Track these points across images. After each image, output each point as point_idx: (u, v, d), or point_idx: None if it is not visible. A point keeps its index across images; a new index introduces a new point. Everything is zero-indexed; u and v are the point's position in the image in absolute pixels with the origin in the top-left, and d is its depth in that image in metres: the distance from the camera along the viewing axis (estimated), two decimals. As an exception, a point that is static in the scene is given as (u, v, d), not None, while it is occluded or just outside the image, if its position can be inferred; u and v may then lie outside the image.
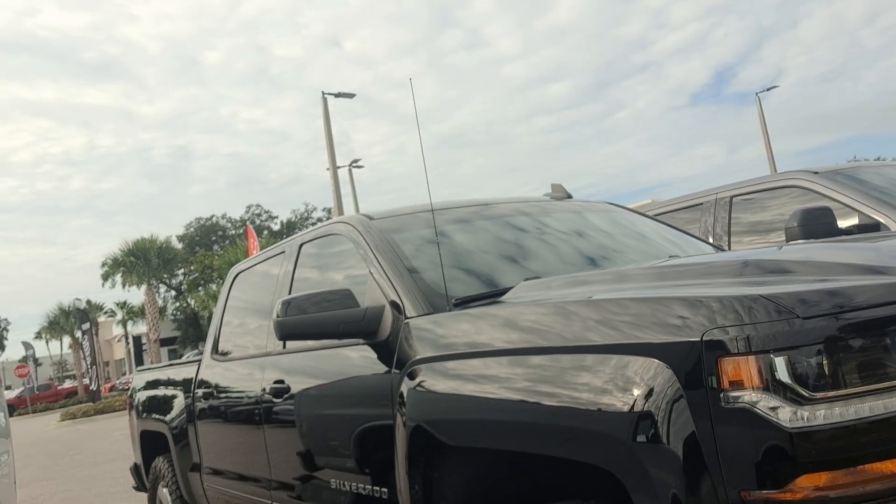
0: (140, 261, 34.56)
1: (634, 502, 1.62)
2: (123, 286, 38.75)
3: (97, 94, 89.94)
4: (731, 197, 5.56)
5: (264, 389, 3.30)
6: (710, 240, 5.36)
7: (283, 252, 3.66)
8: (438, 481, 2.25)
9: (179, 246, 45.84)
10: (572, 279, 2.30)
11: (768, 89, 33.75)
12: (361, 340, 2.62)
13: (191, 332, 53.21)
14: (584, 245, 3.12)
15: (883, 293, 1.50)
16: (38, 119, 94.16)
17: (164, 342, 45.15)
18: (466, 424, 2.12)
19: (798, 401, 1.41)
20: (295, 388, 3.08)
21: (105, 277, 44.81)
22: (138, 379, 5.53)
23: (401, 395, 2.33)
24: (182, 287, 54.92)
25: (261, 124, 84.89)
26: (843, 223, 4.42)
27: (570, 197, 3.68)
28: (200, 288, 48.67)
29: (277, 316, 2.62)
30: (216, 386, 3.97)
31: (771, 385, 1.42)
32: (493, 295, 2.43)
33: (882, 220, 4.47)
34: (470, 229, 3.08)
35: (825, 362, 1.42)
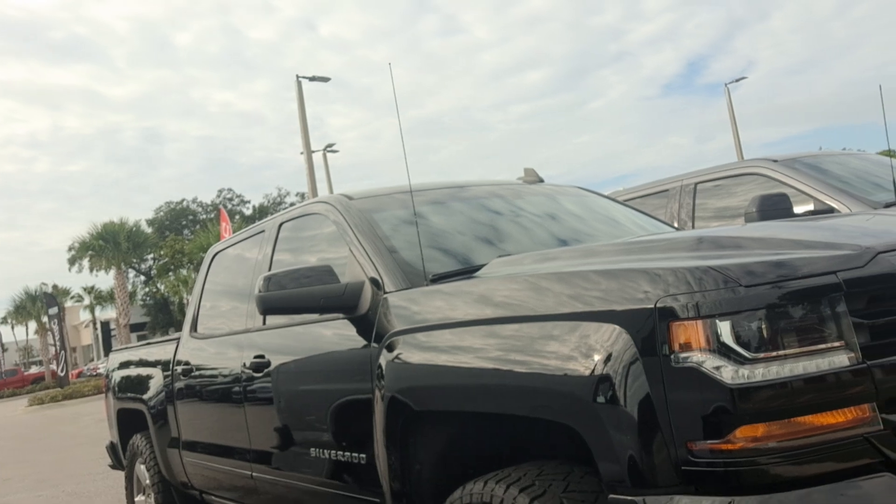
0: (110, 244, 34.14)
1: (597, 461, 1.77)
2: (91, 270, 38.26)
3: (64, 74, 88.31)
4: (696, 184, 5.76)
5: (244, 364, 3.41)
6: (675, 225, 5.56)
7: (262, 231, 3.77)
8: (414, 445, 2.39)
9: (149, 230, 45.26)
10: (542, 255, 2.45)
11: (737, 80, 34.24)
12: (341, 315, 2.74)
13: (160, 317, 52.72)
14: (556, 226, 3.27)
15: (818, 265, 1.67)
16: (3, 100, 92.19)
17: (134, 328, 44.72)
18: (442, 390, 2.26)
19: (739, 361, 1.57)
20: (275, 363, 3.19)
21: (72, 262, 44.21)
22: (114, 359, 5.59)
23: (379, 367, 2.47)
24: (152, 272, 54.34)
25: (233, 107, 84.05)
26: (799, 209, 4.63)
27: (541, 181, 3.83)
28: (171, 273, 48.21)
29: (259, 291, 2.73)
30: (196, 363, 4.07)
31: (716, 347, 1.58)
32: (468, 271, 2.56)
33: (836, 207, 4.69)
34: (446, 210, 3.21)
35: (764, 326, 1.58)
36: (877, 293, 1.67)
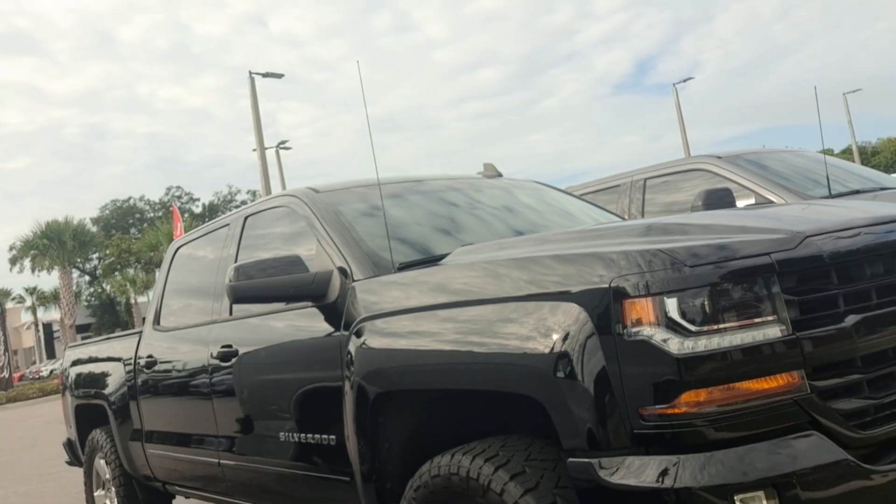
0: (55, 243, 33.24)
1: (557, 428, 1.92)
2: (33, 270, 37.22)
3: (4, 68, 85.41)
4: (645, 179, 6.00)
5: (212, 355, 3.48)
6: (626, 218, 5.78)
7: (227, 225, 3.83)
8: (383, 426, 2.51)
9: (94, 229, 44.18)
10: (501, 244, 2.60)
11: (684, 81, 35.20)
12: (311, 304, 2.85)
13: (106, 318, 51.57)
14: (514, 218, 3.43)
15: (754, 248, 1.85)
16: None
17: (79, 329, 43.59)
18: (408, 371, 2.39)
19: (685, 333, 1.74)
20: (243, 351, 3.28)
21: (13, 262, 42.90)
22: (71, 354, 5.56)
23: (349, 352, 2.58)
24: (97, 272, 53.10)
25: (181, 104, 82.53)
26: (742, 203, 4.89)
27: (500, 175, 3.99)
28: (117, 272, 47.19)
29: (230, 281, 2.81)
30: (160, 355, 4.11)
31: (664, 321, 1.75)
32: (433, 260, 2.69)
33: (776, 201, 4.97)
34: (411, 203, 3.34)
35: (707, 303, 1.75)
36: (805, 273, 1.86)
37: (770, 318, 1.77)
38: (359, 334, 2.57)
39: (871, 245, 2.00)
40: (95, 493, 5.12)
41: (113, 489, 4.76)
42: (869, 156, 56.81)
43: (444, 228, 3.25)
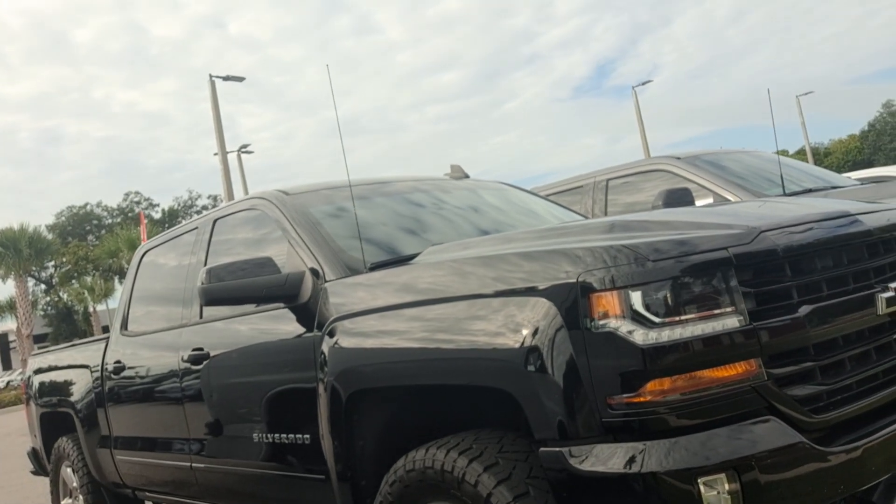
0: (10, 251, 32.41)
1: (529, 419, 1.99)
2: (-14, 280, 36.18)
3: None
4: (607, 180, 6.13)
5: (182, 358, 3.48)
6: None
7: (195, 228, 3.84)
8: (358, 423, 2.56)
9: (50, 236, 43.16)
10: (470, 243, 2.67)
11: (643, 83, 35.83)
12: (283, 305, 2.88)
13: (63, 327, 50.37)
14: (481, 218, 3.50)
15: (712, 243, 1.94)
16: None
17: (36, 339, 42.52)
18: (384, 368, 2.44)
19: (649, 325, 1.82)
20: (214, 354, 3.29)
21: (-33, 271, 41.64)
22: (34, 363, 5.49)
23: (322, 353, 2.62)
24: (53, 280, 51.90)
25: (138, 107, 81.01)
26: (700, 202, 5.03)
27: (467, 177, 4.06)
28: (74, 280, 46.16)
29: (202, 283, 2.83)
30: (129, 361, 4.09)
31: (629, 314, 1.83)
32: (404, 259, 2.75)
33: (733, 199, 5.12)
34: (380, 204, 3.39)
35: (669, 295, 1.84)
36: (761, 266, 1.96)
37: (728, 309, 1.86)
38: (331, 334, 2.61)
39: (822, 239, 2.11)
40: (62, 503, 5.06)
41: (81, 497, 4.71)
42: (822, 156, 58.35)
43: (414, 228, 3.30)
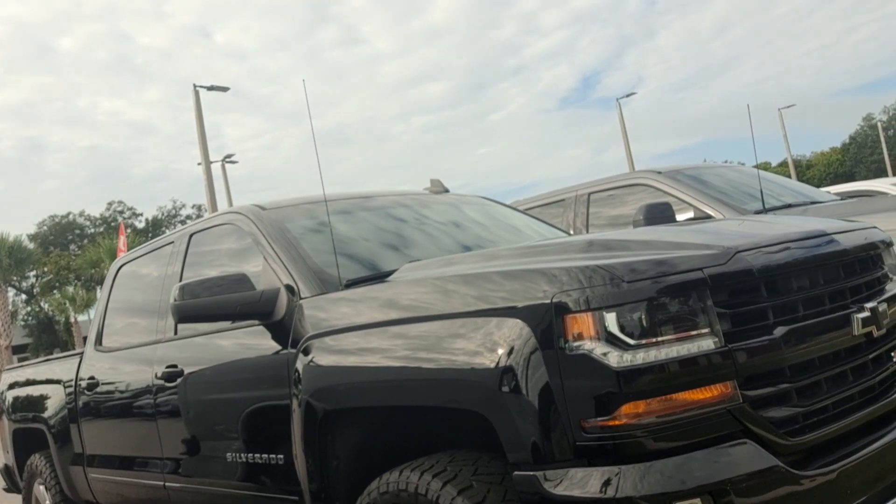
0: (-11, 261, 32.02)
1: (503, 442, 1.96)
2: (-34, 290, 35.67)
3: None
4: (589, 194, 6.13)
5: (156, 375, 3.42)
6: (571, 232, 5.89)
7: (171, 243, 3.78)
8: (332, 444, 2.51)
9: (31, 246, 42.69)
10: (448, 260, 2.64)
11: (627, 95, 36.00)
12: (257, 322, 2.83)
13: (44, 338, 49.80)
14: (461, 234, 3.48)
15: (687, 263, 1.92)
16: None
17: (16, 350, 42.00)
18: (358, 387, 2.40)
19: (623, 347, 1.80)
20: (188, 372, 3.23)
21: (-54, 280, 41.05)
22: (7, 377, 5.40)
23: (296, 371, 2.58)
24: (34, 290, 51.33)
25: (123, 116, 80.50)
26: (681, 216, 5.04)
27: (447, 191, 4.03)
28: (56, 290, 45.67)
29: (175, 300, 2.78)
30: (102, 377, 4.02)
31: (603, 335, 1.81)
32: (380, 276, 2.71)
33: (713, 214, 5.13)
34: (357, 219, 3.36)
35: (644, 317, 1.82)
36: (736, 287, 1.94)
37: (704, 330, 1.84)
38: (306, 352, 2.57)
39: (799, 259, 2.10)
40: (35, 521, 4.96)
41: (53, 516, 4.62)
42: (804, 169, 59.02)
43: (392, 244, 3.27)
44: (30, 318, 51.86)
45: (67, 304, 41.41)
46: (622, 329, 1.81)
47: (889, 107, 68.61)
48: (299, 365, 2.57)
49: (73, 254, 50.09)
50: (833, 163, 62.78)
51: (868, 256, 2.34)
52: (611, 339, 1.80)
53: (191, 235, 3.62)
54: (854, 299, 2.18)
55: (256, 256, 3.07)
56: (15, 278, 42.86)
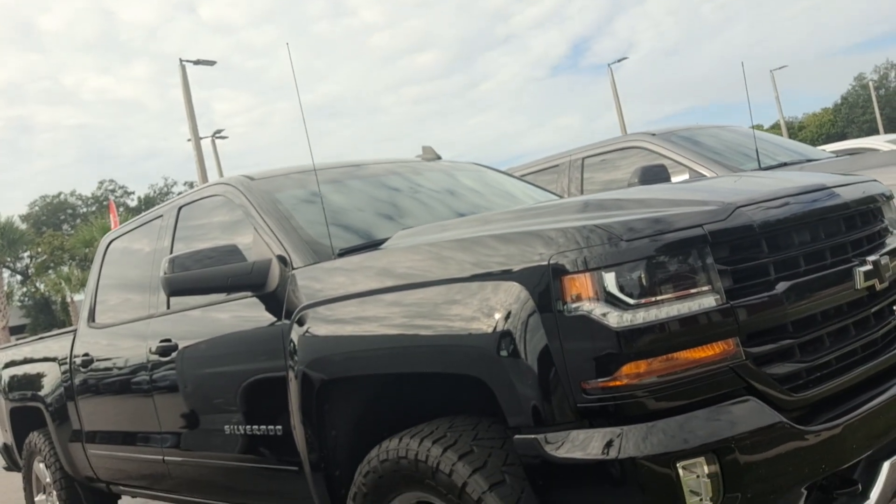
0: (-19, 243, 31.85)
1: (502, 407, 1.93)
2: (-40, 272, 35.53)
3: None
4: (583, 159, 6.07)
5: (150, 350, 3.39)
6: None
7: (160, 216, 3.73)
8: (330, 413, 2.49)
9: (24, 226, 42.48)
10: (442, 226, 2.59)
11: (619, 61, 35.81)
12: (250, 294, 2.79)
13: (42, 318, 49.79)
14: (455, 201, 3.42)
15: (687, 220, 1.88)
16: None
17: (13, 330, 41.95)
18: (354, 356, 2.37)
19: (623, 307, 1.76)
20: (183, 346, 3.20)
21: (-61, 263, 40.85)
22: (3, 357, 5.36)
23: (291, 341, 2.54)
24: (29, 271, 51.18)
25: (110, 94, 79.72)
26: (676, 178, 4.99)
27: (439, 158, 3.97)
28: (51, 271, 45.57)
29: (165, 273, 2.73)
30: (96, 353, 3.99)
31: (602, 296, 1.77)
32: (373, 245, 2.67)
33: (708, 175, 5.09)
34: (348, 188, 3.30)
35: (643, 275, 1.78)
36: (737, 243, 1.91)
37: (705, 288, 1.81)
38: (301, 322, 2.53)
39: (799, 214, 2.06)
40: (36, 498, 4.96)
41: (55, 493, 4.62)
42: (796, 130, 58.88)
43: (385, 213, 3.22)
44: (26, 299, 51.79)
45: (63, 284, 41.31)
46: (621, 289, 1.77)
47: (880, 66, 68.35)
48: (294, 336, 2.54)
49: (66, 234, 49.87)
50: (825, 124, 62.61)
51: (868, 210, 2.30)
52: (610, 300, 1.77)
53: (179, 208, 3.56)
54: (855, 253, 2.15)
55: (247, 228, 3.01)
56: (9, 259, 42.72)
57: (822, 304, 2.01)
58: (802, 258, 2.02)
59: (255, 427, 2.82)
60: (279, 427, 2.69)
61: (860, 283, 2.06)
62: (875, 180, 2.52)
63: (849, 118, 63.49)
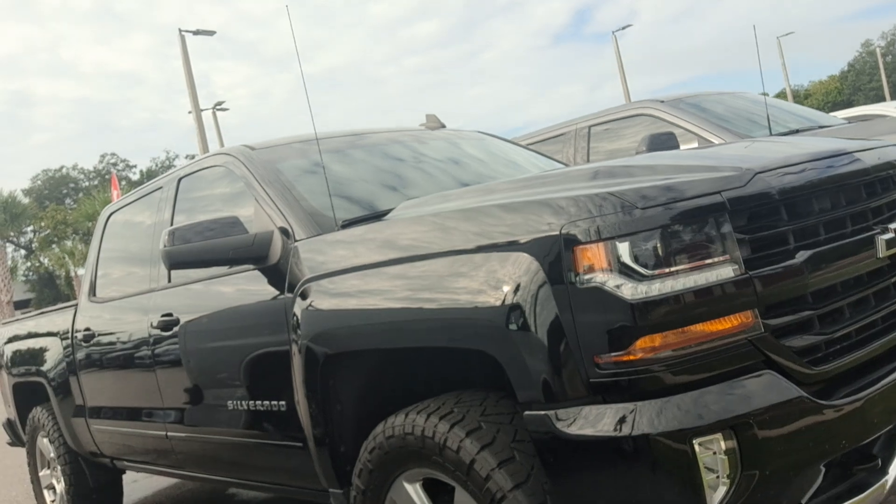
0: (-17, 217, 31.83)
1: (512, 382, 1.87)
2: (-37, 246, 35.56)
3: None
4: (589, 127, 5.96)
5: (152, 324, 3.34)
6: (572, 167, 5.75)
7: (160, 188, 3.65)
8: (334, 388, 2.43)
9: (27, 201, 42.47)
10: (446, 196, 2.51)
11: (623, 28, 35.37)
12: (252, 266, 2.73)
13: (46, 292, 49.98)
14: (459, 170, 3.34)
15: (704, 186, 1.80)
16: None
17: (18, 305, 42.15)
18: (359, 330, 2.31)
19: (638, 278, 1.69)
20: (185, 320, 3.14)
21: (-58, 238, 40.90)
22: (5, 332, 5.33)
23: (294, 315, 2.48)
24: (33, 245, 51.23)
25: (109, 66, 79.13)
26: (685, 146, 4.89)
27: (443, 127, 3.88)
28: (54, 245, 45.60)
29: (165, 246, 2.67)
30: (98, 328, 3.94)
31: (616, 266, 1.70)
32: (377, 216, 2.59)
33: (718, 142, 4.98)
34: (351, 157, 3.22)
35: (659, 245, 1.70)
36: (756, 210, 1.83)
37: (722, 258, 1.73)
38: (304, 296, 2.47)
39: (818, 180, 1.98)
40: (41, 473, 4.96)
41: (59, 467, 4.61)
42: (802, 99, 58.21)
43: (388, 183, 3.14)
44: (31, 274, 51.95)
45: (67, 259, 41.38)
46: (636, 259, 1.70)
47: (887, 32, 67.36)
48: (297, 309, 2.48)
49: (69, 207, 49.84)
50: (831, 91, 61.88)
51: (889, 176, 2.22)
52: (624, 270, 1.70)
53: (179, 180, 3.49)
54: (877, 221, 2.07)
55: (248, 199, 2.94)
56: (12, 234, 42.77)
57: (843, 274, 1.93)
58: (822, 226, 1.94)
59: (259, 402, 2.77)
60: (283, 402, 2.64)
61: (882, 251, 1.99)
62: (895, 145, 2.44)
63: (856, 86, 62.80)
